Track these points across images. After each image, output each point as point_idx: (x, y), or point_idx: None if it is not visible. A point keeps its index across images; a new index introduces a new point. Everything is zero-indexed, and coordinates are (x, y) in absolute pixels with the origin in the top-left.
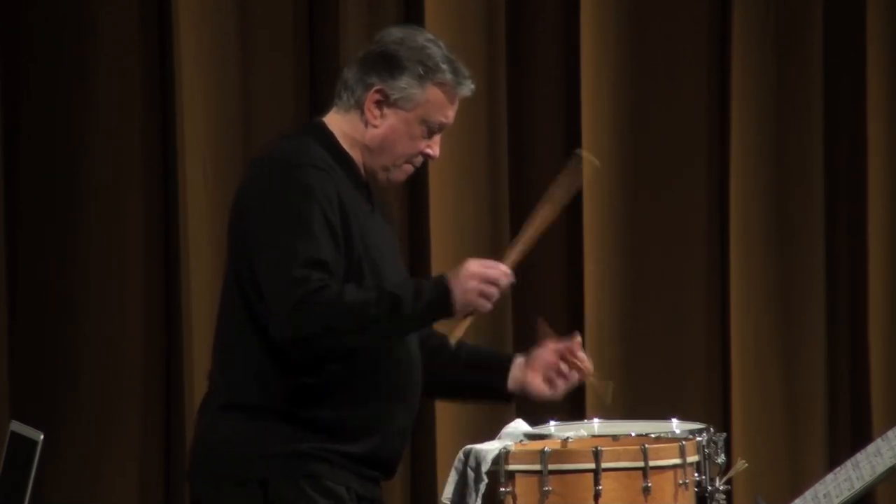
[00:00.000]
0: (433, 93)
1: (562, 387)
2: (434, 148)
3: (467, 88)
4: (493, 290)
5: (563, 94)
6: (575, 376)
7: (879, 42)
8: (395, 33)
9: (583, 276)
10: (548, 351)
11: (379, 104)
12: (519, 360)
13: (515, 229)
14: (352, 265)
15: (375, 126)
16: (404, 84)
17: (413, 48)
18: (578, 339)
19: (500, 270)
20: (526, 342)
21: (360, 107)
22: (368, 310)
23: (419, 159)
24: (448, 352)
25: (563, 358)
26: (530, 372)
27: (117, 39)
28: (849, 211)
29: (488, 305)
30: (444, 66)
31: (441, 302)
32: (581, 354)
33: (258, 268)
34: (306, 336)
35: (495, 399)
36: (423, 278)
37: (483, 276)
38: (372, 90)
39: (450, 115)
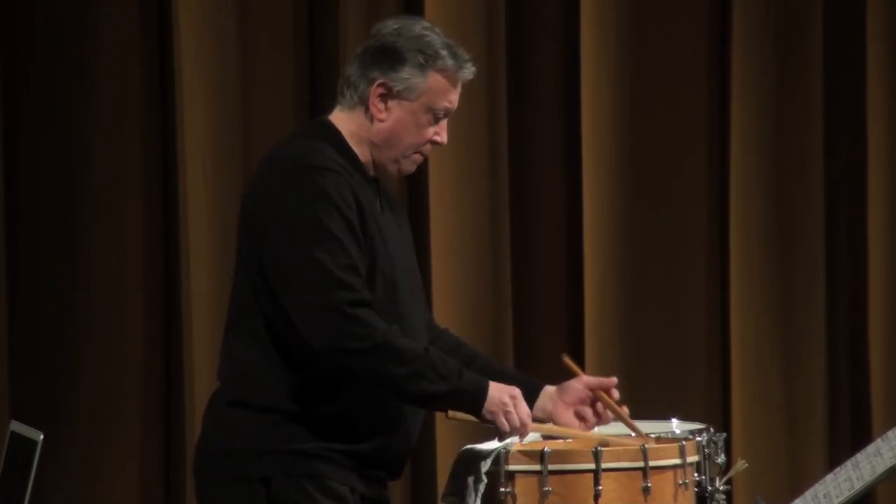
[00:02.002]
0: (435, 80)
1: (593, 425)
2: (442, 134)
3: (468, 72)
4: (515, 421)
5: (563, 94)
6: (609, 416)
7: (880, 42)
8: (392, 25)
9: (583, 276)
10: (581, 385)
11: (383, 97)
12: (549, 390)
13: (515, 229)
14: (367, 266)
15: (381, 120)
16: (406, 75)
17: (411, 38)
18: (615, 380)
19: (529, 423)
20: (525, 345)
21: (364, 103)
22: (410, 358)
23: (428, 147)
24: (478, 364)
25: (597, 396)
26: (561, 404)
27: (117, 39)
28: (849, 211)
29: (505, 426)
30: (444, 53)
31: (475, 395)
32: (616, 394)
33: (280, 272)
34: (346, 350)
35: None
36: (464, 367)
37: (518, 405)
38: (374, 84)
39: (453, 99)
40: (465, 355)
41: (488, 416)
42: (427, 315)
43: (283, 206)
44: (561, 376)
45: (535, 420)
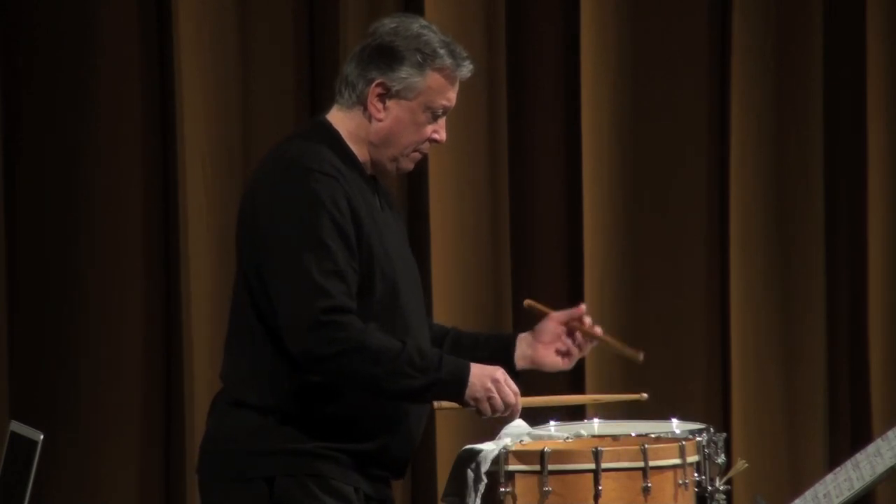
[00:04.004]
0: (434, 79)
1: (576, 356)
2: (440, 132)
3: (466, 70)
4: (499, 406)
5: (563, 93)
6: (588, 345)
7: (880, 41)
8: (389, 24)
9: (583, 275)
10: (553, 323)
11: (381, 97)
12: (524, 336)
13: (515, 228)
14: (366, 268)
15: (380, 120)
16: (404, 74)
17: (409, 37)
18: (583, 306)
19: (517, 401)
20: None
21: (362, 102)
22: (387, 357)
23: (427, 146)
24: (450, 338)
25: (571, 327)
26: (540, 346)
27: (117, 39)
28: (849, 211)
29: (488, 412)
30: (442, 51)
31: (455, 385)
32: (588, 320)
33: (271, 274)
34: (322, 356)
35: None
36: (444, 355)
37: (501, 389)
38: (373, 84)
39: (452, 97)
40: (435, 334)
41: (471, 403)
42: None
43: (276, 209)
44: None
45: (519, 369)
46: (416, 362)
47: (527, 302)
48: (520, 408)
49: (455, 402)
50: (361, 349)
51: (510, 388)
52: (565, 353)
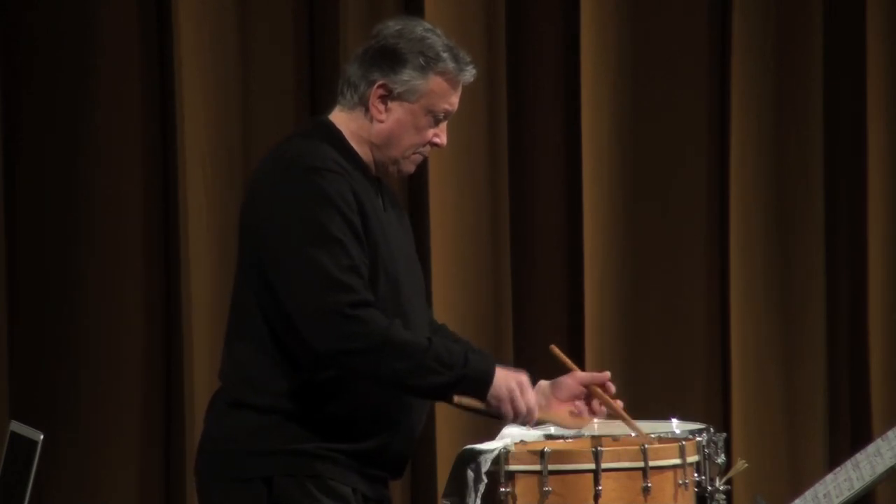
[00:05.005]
0: (436, 82)
1: (587, 421)
2: (441, 136)
3: (469, 74)
4: (521, 408)
5: (563, 94)
6: (604, 412)
7: (880, 42)
8: (393, 26)
9: (583, 275)
10: (574, 382)
11: (383, 99)
12: (542, 386)
13: (515, 229)
14: (370, 265)
15: (381, 121)
16: (407, 77)
17: (412, 40)
18: (608, 374)
19: (536, 411)
20: (525, 344)
21: (364, 103)
22: (413, 352)
23: (427, 149)
24: None
25: (591, 392)
26: (555, 402)
27: (117, 39)
28: (849, 211)
29: (510, 413)
30: (445, 55)
31: (480, 382)
32: (612, 389)
33: (281, 273)
34: (349, 350)
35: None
36: (469, 353)
37: (525, 392)
38: (375, 86)
39: (454, 102)
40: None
41: (494, 403)
42: (428, 312)
43: (283, 209)
44: (559, 374)
45: None
46: (444, 358)
47: (552, 348)
48: (536, 416)
49: (478, 398)
50: (388, 344)
51: (531, 395)
52: (577, 415)
